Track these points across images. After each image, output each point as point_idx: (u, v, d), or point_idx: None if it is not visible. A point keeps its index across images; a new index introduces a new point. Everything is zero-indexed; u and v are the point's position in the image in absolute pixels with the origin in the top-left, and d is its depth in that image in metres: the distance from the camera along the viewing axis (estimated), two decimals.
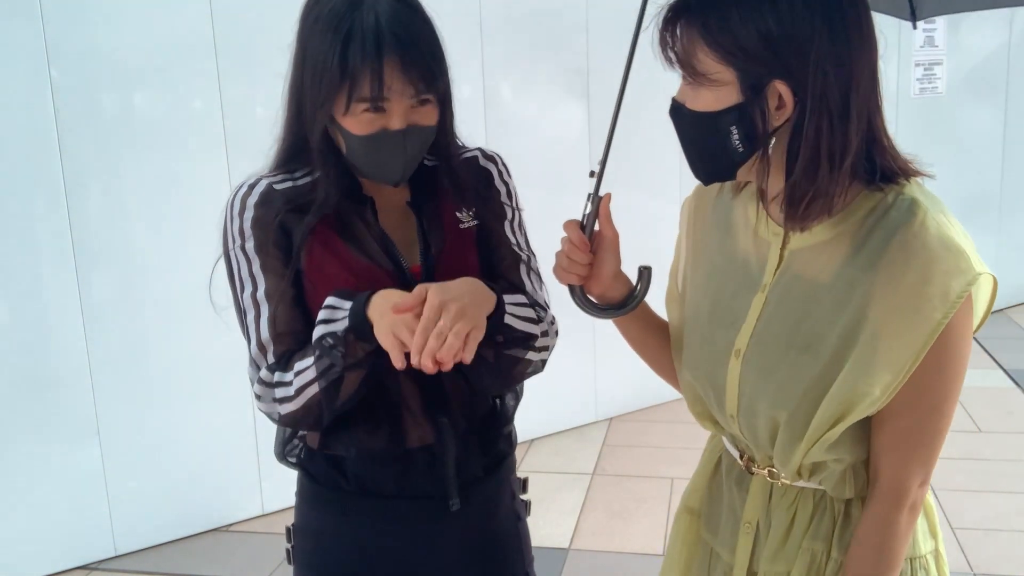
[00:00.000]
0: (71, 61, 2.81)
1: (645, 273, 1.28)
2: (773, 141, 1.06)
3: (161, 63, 2.94)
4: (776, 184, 1.10)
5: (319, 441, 1.34)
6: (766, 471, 1.21)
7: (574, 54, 3.81)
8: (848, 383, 1.07)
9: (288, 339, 1.24)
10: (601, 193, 1.24)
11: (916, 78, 5.04)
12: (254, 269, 1.25)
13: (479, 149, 1.39)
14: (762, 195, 1.19)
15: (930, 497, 1.21)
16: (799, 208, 1.07)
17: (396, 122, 1.19)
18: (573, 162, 3.70)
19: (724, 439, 1.31)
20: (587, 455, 3.82)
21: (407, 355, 1.12)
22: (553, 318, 1.35)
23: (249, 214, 1.25)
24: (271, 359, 1.23)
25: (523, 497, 1.48)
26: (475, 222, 1.34)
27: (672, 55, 1.09)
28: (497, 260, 1.35)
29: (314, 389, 1.20)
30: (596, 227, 1.25)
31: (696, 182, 1.22)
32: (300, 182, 1.28)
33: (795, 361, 1.11)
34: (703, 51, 1.05)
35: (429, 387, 1.29)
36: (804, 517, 1.19)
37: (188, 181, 3.01)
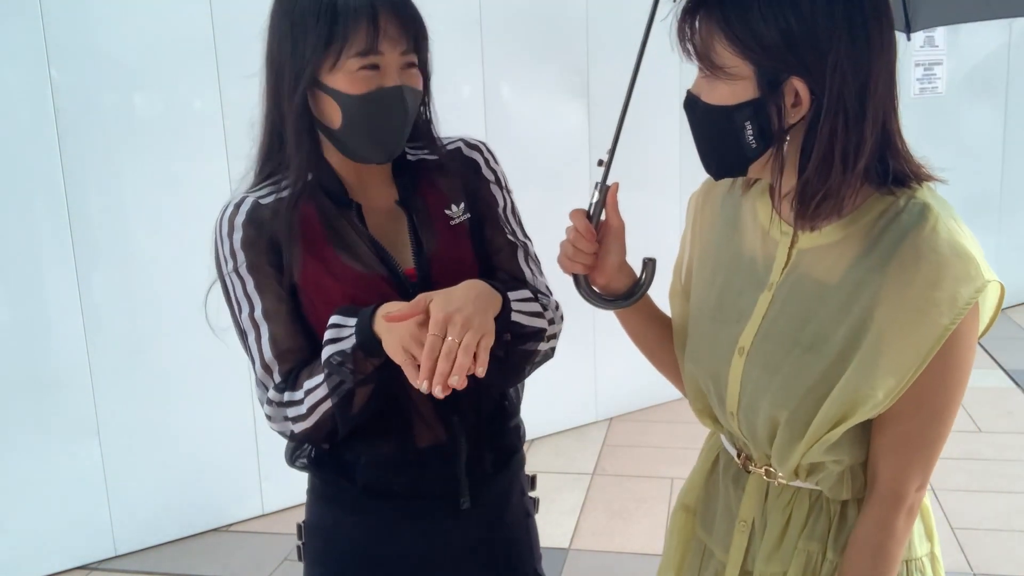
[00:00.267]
0: (71, 61, 2.80)
1: (650, 264, 1.27)
2: (788, 139, 1.06)
3: (161, 63, 2.94)
4: (787, 182, 1.09)
5: (329, 447, 1.32)
6: (763, 470, 1.21)
7: (574, 54, 3.81)
8: (851, 385, 1.06)
9: (291, 356, 1.23)
10: (609, 183, 1.23)
11: (916, 78, 5.04)
12: (249, 289, 1.23)
13: (461, 139, 1.37)
14: (773, 193, 1.19)
15: (927, 499, 1.21)
16: (810, 207, 1.07)
17: (391, 79, 1.18)
18: (573, 162, 3.69)
19: (722, 437, 1.31)
20: (587, 455, 3.82)
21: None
22: (557, 303, 1.34)
23: (238, 234, 1.23)
24: (278, 378, 1.23)
25: (531, 494, 1.47)
26: (466, 216, 1.32)
27: (690, 47, 1.09)
28: (494, 251, 1.34)
29: (326, 406, 1.19)
30: (603, 216, 1.24)
31: (702, 177, 1.21)
32: (285, 193, 1.25)
33: (799, 360, 1.11)
34: (721, 44, 1.04)
35: None
36: (800, 517, 1.19)
37: (188, 181, 3.01)
